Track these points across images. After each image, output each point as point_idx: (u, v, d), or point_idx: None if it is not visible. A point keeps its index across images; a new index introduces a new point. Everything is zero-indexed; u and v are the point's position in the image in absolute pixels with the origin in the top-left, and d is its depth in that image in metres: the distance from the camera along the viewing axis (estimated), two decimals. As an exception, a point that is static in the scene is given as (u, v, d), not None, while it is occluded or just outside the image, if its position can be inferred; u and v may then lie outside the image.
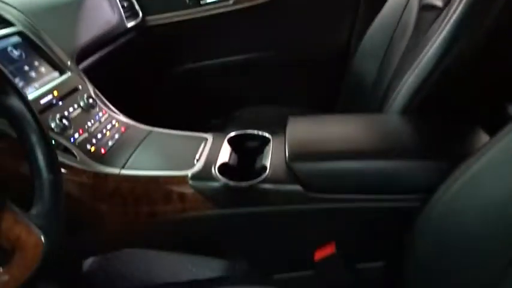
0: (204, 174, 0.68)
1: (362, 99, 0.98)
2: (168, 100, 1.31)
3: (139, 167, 0.70)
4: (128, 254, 0.90)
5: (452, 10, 0.74)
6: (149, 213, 0.69)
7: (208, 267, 0.86)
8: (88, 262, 0.88)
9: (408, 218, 0.61)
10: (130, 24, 1.15)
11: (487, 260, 0.49)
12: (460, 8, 0.72)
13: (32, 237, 0.42)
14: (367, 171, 0.64)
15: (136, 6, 1.20)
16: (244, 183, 0.66)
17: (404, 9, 0.93)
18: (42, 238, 0.43)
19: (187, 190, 0.67)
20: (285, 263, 0.73)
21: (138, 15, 1.21)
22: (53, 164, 0.49)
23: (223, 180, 0.66)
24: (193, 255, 0.89)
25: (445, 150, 0.65)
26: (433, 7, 0.82)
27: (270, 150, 0.74)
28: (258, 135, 0.79)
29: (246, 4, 1.19)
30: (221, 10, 1.21)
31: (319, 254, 0.68)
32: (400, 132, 0.72)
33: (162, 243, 0.84)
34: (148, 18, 1.22)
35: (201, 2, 1.22)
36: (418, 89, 0.75)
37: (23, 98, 0.49)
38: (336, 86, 1.15)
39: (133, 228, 0.72)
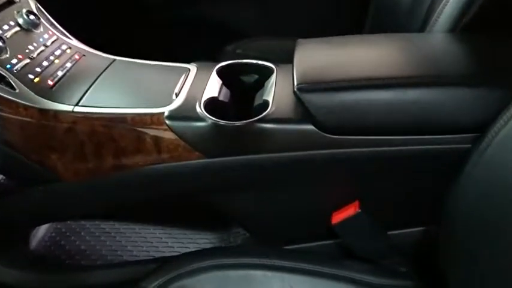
0: (185, 112, 0.66)
1: (397, 22, 0.95)
2: (140, 31, 1.27)
3: (99, 103, 0.68)
4: (89, 228, 0.90)
5: None
6: (114, 164, 0.67)
7: (193, 242, 0.86)
8: (37, 236, 0.88)
9: (454, 166, 0.60)
10: None
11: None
12: None
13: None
14: (401, 104, 0.62)
15: None
16: (238, 123, 0.64)
17: None
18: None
19: (164, 133, 0.66)
20: (294, 232, 0.73)
21: None
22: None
23: (210, 119, 0.65)
24: (173, 228, 0.89)
25: (504, 75, 0.63)
26: None
27: (273, 82, 0.72)
28: (257, 65, 0.77)
29: None
30: None
31: (339, 216, 0.68)
32: (445, 54, 0.69)
33: (131, 208, 0.83)
34: None
35: None
36: (469, 2, 0.73)
37: None
38: (361, 8, 1.11)
39: (94, 187, 0.71)
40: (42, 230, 0.89)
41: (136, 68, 0.78)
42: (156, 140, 0.66)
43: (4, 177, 0.76)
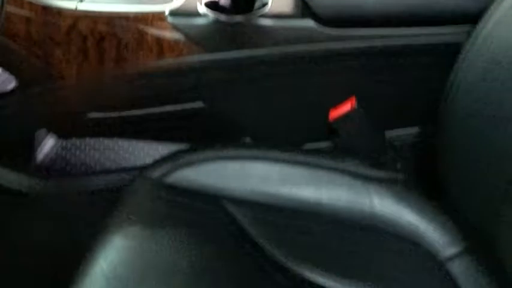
0: (186, 9, 0.67)
1: None
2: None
3: (102, 1, 0.68)
4: (93, 144, 0.91)
5: None
6: (117, 60, 0.68)
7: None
8: (43, 151, 0.89)
9: (451, 61, 0.61)
10: None
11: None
12: None
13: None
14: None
15: None
16: (239, 17, 0.65)
17: None
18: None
19: (166, 30, 0.66)
20: (294, 133, 0.74)
21: None
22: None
23: (212, 14, 0.65)
24: (174, 143, 0.90)
25: None
26: None
27: None
28: None
29: None
30: None
31: (336, 113, 0.69)
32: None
33: (133, 124, 0.84)
34: None
35: None
36: None
37: None
38: None
39: (96, 85, 0.72)
40: (47, 147, 0.90)
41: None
42: (158, 36, 0.66)
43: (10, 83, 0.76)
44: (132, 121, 0.82)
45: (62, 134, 0.90)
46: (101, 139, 0.92)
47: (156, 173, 0.64)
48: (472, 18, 0.60)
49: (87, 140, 0.92)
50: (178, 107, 0.77)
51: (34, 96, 0.73)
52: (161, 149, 0.90)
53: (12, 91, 0.74)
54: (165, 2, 0.68)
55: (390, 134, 0.71)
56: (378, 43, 0.64)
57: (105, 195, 0.78)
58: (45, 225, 0.80)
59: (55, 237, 0.77)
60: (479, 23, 0.57)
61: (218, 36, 0.66)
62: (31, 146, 0.87)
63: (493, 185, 0.53)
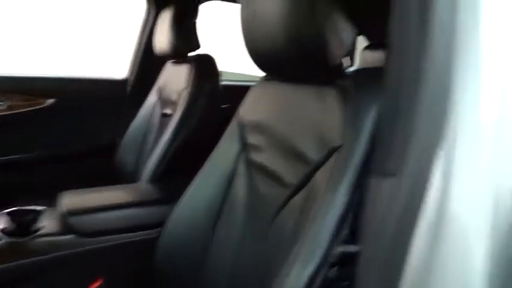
0: None
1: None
2: None
3: None
4: None
5: (176, 116, 1.34)
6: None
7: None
8: None
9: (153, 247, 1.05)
10: None
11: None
12: (179, 116, 1.32)
13: None
14: (122, 217, 1.07)
15: None
16: (22, 239, 0.97)
17: (151, 116, 1.51)
18: None
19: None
20: None
21: None
22: None
23: (4, 238, 0.96)
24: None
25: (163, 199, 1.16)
26: (167, 115, 1.42)
27: (45, 215, 1.07)
28: (31, 210, 1.11)
29: (21, 109, 1.56)
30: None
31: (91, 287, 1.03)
32: (142, 191, 1.20)
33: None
34: None
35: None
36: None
37: None
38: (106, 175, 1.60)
39: None
40: None
41: None
42: None
43: None
44: None
45: None
46: None
47: None
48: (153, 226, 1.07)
49: None
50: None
51: None
52: None
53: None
54: None
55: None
56: (113, 242, 1.05)
57: None
58: None
59: None
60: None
61: (10, 251, 0.96)
62: None
63: None
